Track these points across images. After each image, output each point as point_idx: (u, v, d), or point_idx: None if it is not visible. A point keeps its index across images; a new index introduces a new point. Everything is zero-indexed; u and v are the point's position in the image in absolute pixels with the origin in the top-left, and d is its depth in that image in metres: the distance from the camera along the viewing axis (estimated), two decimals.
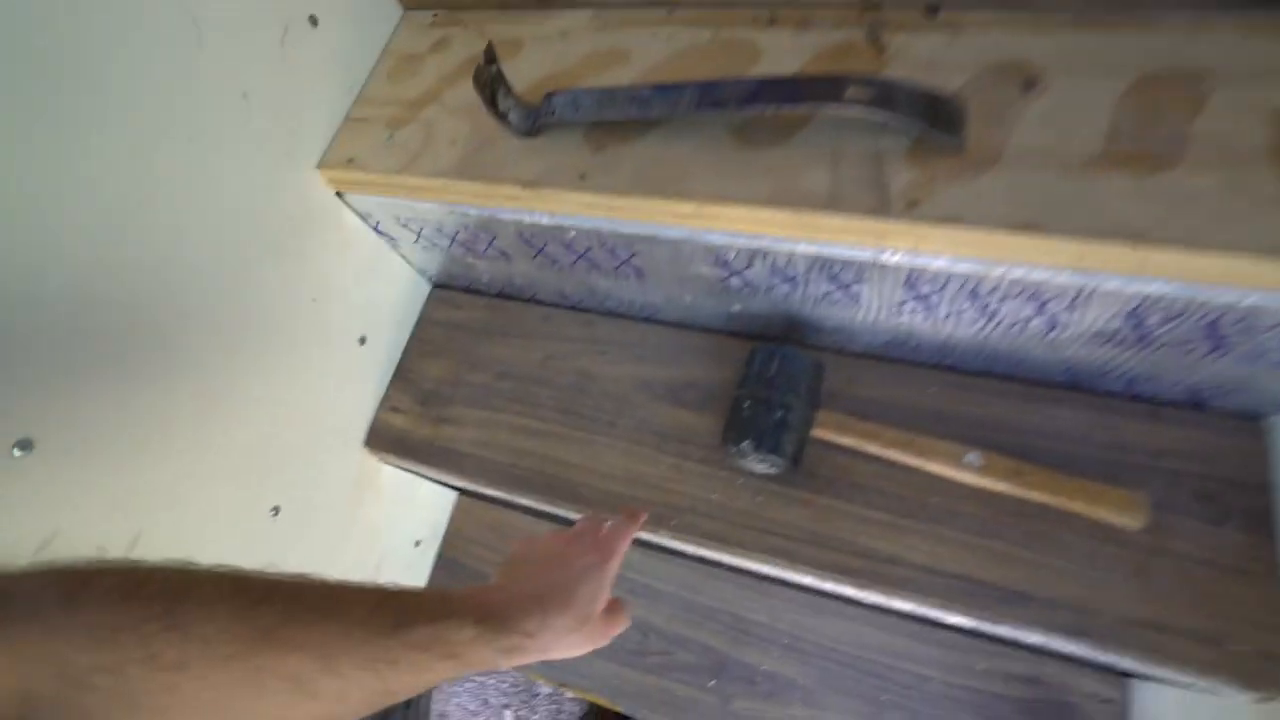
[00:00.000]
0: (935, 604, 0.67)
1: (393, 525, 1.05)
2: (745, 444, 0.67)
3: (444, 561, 1.18)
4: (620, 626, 0.56)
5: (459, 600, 0.46)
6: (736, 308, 0.77)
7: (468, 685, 1.42)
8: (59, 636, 0.32)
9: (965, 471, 0.67)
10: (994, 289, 0.58)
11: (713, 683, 0.99)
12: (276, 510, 0.81)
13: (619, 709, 1.02)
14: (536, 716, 1.37)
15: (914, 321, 0.68)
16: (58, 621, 0.32)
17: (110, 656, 0.32)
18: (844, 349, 0.79)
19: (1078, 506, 0.65)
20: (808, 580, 0.75)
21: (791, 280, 0.67)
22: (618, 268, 0.77)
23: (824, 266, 0.62)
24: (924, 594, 0.67)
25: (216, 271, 0.69)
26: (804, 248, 0.60)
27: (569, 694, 1.36)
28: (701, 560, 1.05)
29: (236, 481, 0.75)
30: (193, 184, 0.64)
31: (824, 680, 0.95)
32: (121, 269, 0.60)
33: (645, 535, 0.79)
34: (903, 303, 0.65)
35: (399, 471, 1.04)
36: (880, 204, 0.53)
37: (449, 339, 0.96)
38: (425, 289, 1.01)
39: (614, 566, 0.57)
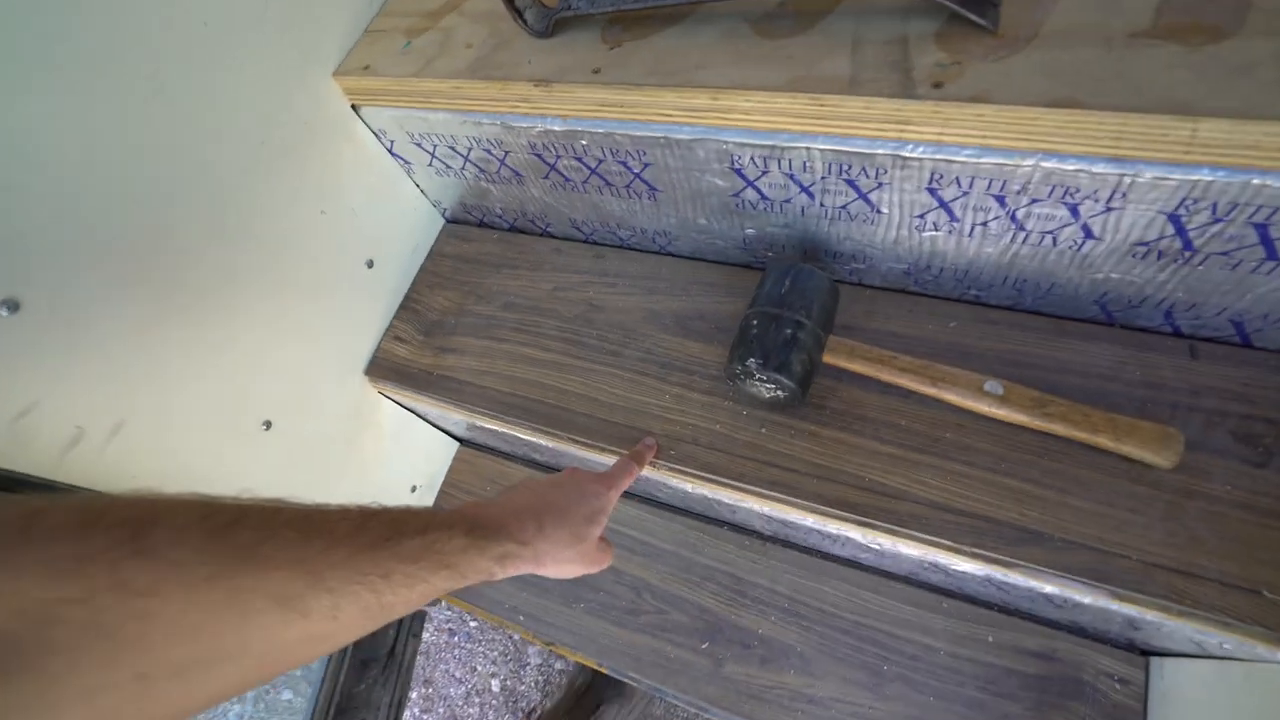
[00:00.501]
0: (944, 543, 0.63)
1: (390, 465, 1.02)
2: (751, 361, 0.64)
3: None
4: (609, 556, 0.58)
5: (449, 513, 0.47)
6: (750, 231, 0.75)
7: (455, 653, 1.39)
8: (14, 572, 0.29)
9: (985, 401, 0.63)
10: (1023, 188, 0.55)
11: (706, 645, 0.95)
12: (268, 424, 0.79)
13: (605, 669, 0.98)
14: (524, 685, 1.33)
15: (936, 239, 0.65)
16: (11, 557, 0.29)
17: (76, 587, 0.29)
18: (862, 280, 0.76)
19: (1104, 441, 0.60)
20: (809, 521, 0.71)
21: (809, 190, 0.65)
22: (629, 184, 0.75)
23: (843, 167, 0.60)
24: (932, 532, 0.63)
25: (225, 167, 0.68)
26: (822, 144, 0.58)
27: (557, 663, 1.32)
28: (703, 518, 1.02)
29: (229, 385, 0.73)
30: (204, 72, 0.64)
31: (823, 647, 0.90)
32: (125, 149, 0.60)
33: (644, 471, 0.76)
34: (925, 213, 0.62)
35: (400, 411, 1.02)
36: (904, 86, 0.51)
37: (458, 271, 0.95)
38: (439, 223, 1.00)
39: (614, 495, 0.59)
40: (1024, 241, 0.61)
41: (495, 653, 1.37)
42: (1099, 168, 0.49)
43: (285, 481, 0.83)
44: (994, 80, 0.49)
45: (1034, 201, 0.56)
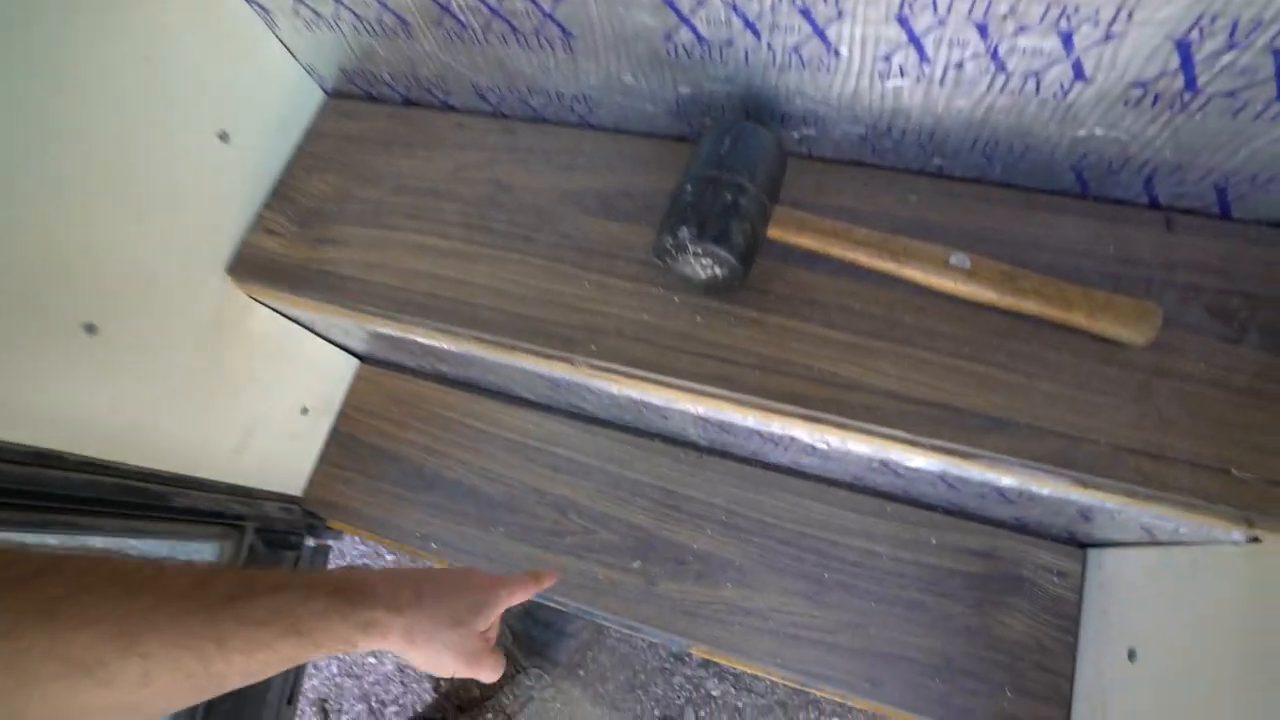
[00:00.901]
0: (901, 435, 0.56)
1: (268, 382, 0.88)
2: (684, 232, 0.54)
3: (340, 436, 1.02)
4: (494, 662, 0.52)
5: (313, 574, 0.46)
6: (685, 89, 0.63)
7: None
8: None
9: (950, 277, 0.55)
10: (1011, 10, 0.45)
11: (638, 563, 0.88)
12: (91, 328, 0.63)
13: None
14: None
15: (902, 91, 0.56)
16: None
17: None
18: (812, 151, 0.66)
19: (1078, 318, 0.54)
20: (751, 420, 0.64)
21: (753, 26, 0.54)
22: (539, 29, 0.61)
23: None
24: (889, 423, 0.56)
25: None
26: None
27: None
28: (633, 430, 0.93)
29: (30, 276, 0.58)
30: None
31: (762, 559, 0.85)
32: None
33: (559, 371, 0.66)
34: (891, 53, 0.52)
35: (280, 320, 0.87)
36: None
37: (341, 152, 0.79)
38: (317, 96, 0.83)
39: (504, 595, 0.54)
40: (1003, 88, 0.53)
41: None
42: None
43: (123, 401, 0.69)
44: None
45: (1021, 30, 0.47)
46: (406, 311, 0.68)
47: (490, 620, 0.52)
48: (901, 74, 0.54)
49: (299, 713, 1.28)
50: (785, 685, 0.98)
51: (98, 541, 0.85)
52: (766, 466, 0.88)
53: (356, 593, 0.42)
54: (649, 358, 0.61)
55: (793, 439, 0.68)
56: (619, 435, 0.93)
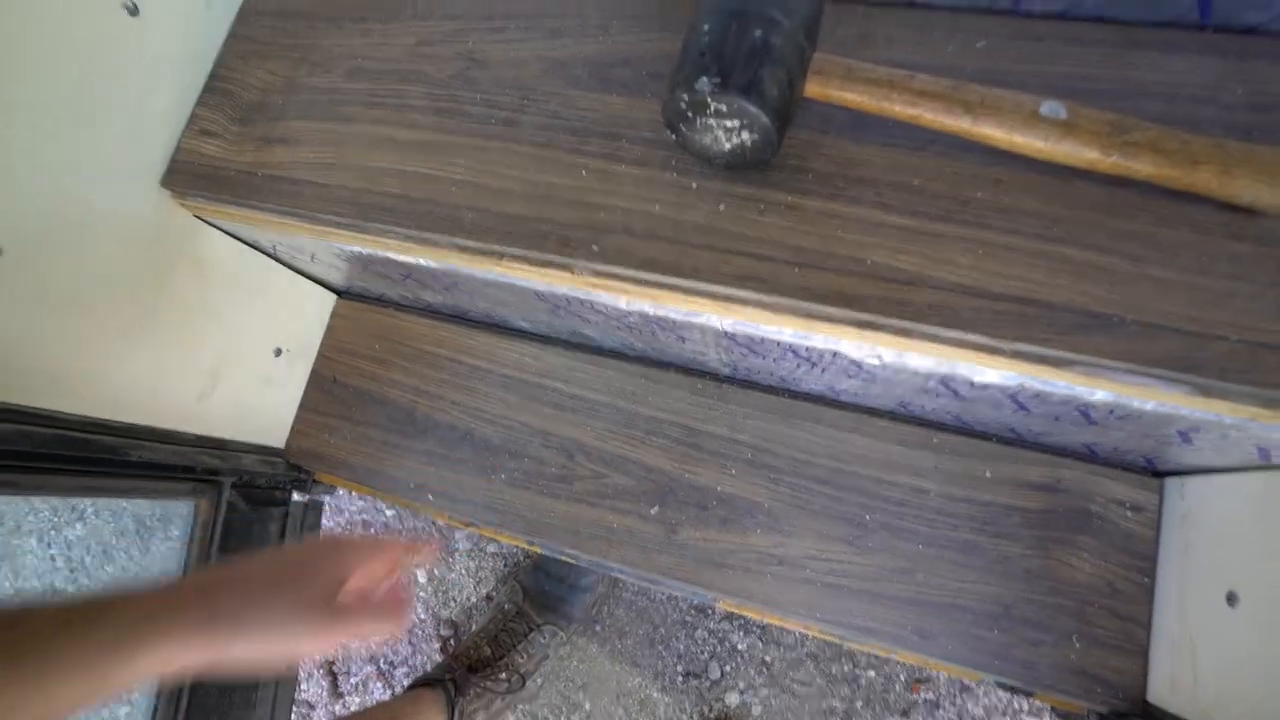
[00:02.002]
0: (977, 339, 0.45)
1: (231, 319, 0.78)
2: (704, 82, 0.42)
3: (321, 380, 0.92)
4: (388, 622, 0.44)
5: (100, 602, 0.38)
6: None
7: None
8: None
9: (1042, 132, 0.43)
10: None
11: (655, 509, 0.78)
12: None
13: (537, 547, 0.82)
14: (454, 574, 1.17)
15: None
16: None
17: None
18: None
19: (1205, 179, 0.42)
20: (789, 333, 0.53)
21: None
22: None
23: None
24: (962, 325, 0.45)
25: None
26: None
27: (489, 546, 1.16)
28: (645, 360, 0.82)
29: None
30: None
31: (794, 500, 0.75)
32: None
33: (555, 284, 0.55)
34: None
35: (238, 247, 0.76)
36: None
37: (281, 33, 0.67)
38: None
39: (355, 550, 0.46)
40: None
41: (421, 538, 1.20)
42: None
43: (44, 337, 0.58)
44: None
45: None
46: (371, 218, 0.57)
47: (338, 566, 0.44)
48: None
49: (308, 675, 1.22)
50: (821, 639, 0.90)
51: (52, 502, 0.76)
52: (797, 396, 0.78)
53: (99, 606, 0.37)
54: (663, 257, 0.50)
55: (835, 356, 0.57)
56: (629, 367, 0.82)
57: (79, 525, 0.79)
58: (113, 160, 0.61)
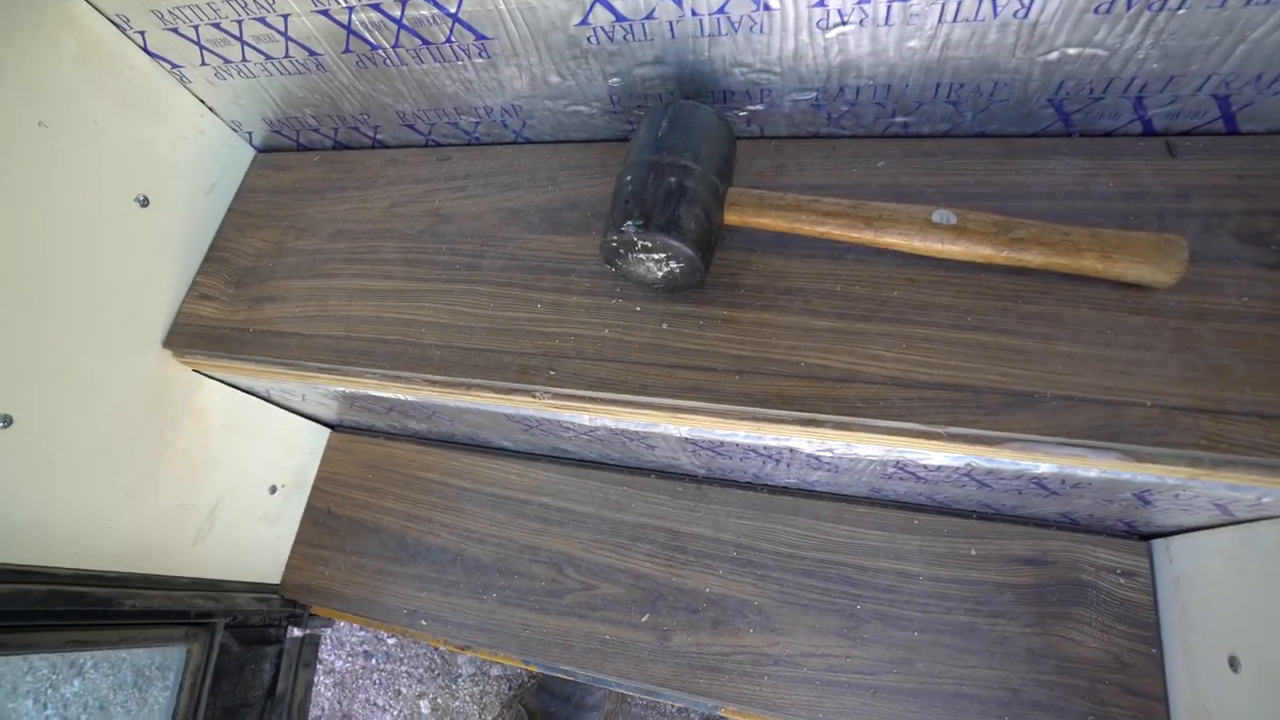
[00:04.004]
0: (912, 426, 0.48)
1: (228, 462, 0.82)
2: (629, 225, 0.47)
3: (315, 513, 0.95)
4: None
5: None
6: (615, 80, 0.58)
7: (375, 678, 1.18)
8: None
9: (936, 236, 0.48)
10: None
11: (646, 617, 0.78)
12: (6, 420, 0.58)
13: (534, 667, 0.81)
14: (458, 702, 1.14)
15: (846, 39, 0.50)
16: None
17: None
18: (765, 129, 0.60)
19: (1089, 263, 0.47)
20: (741, 434, 0.56)
21: None
22: (450, 35, 0.57)
23: None
24: (895, 415, 0.48)
25: None
26: None
27: (493, 669, 1.14)
28: (623, 468, 0.85)
29: None
30: None
31: (783, 596, 0.76)
32: None
33: (522, 407, 0.59)
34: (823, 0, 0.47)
35: (234, 395, 0.81)
36: None
37: (273, 206, 0.75)
38: (247, 154, 0.79)
39: None
40: (955, 16, 0.47)
41: (420, 669, 1.18)
42: None
43: (51, 499, 0.62)
44: None
45: None
46: (350, 362, 0.62)
47: None
48: (842, 19, 0.48)
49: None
50: None
51: (51, 658, 0.77)
52: (774, 490, 0.80)
53: None
54: (615, 377, 0.54)
55: (793, 452, 0.60)
56: (610, 476, 0.85)
57: (76, 681, 0.79)
58: (119, 331, 0.67)
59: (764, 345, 0.52)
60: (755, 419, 0.52)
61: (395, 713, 1.15)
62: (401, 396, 0.65)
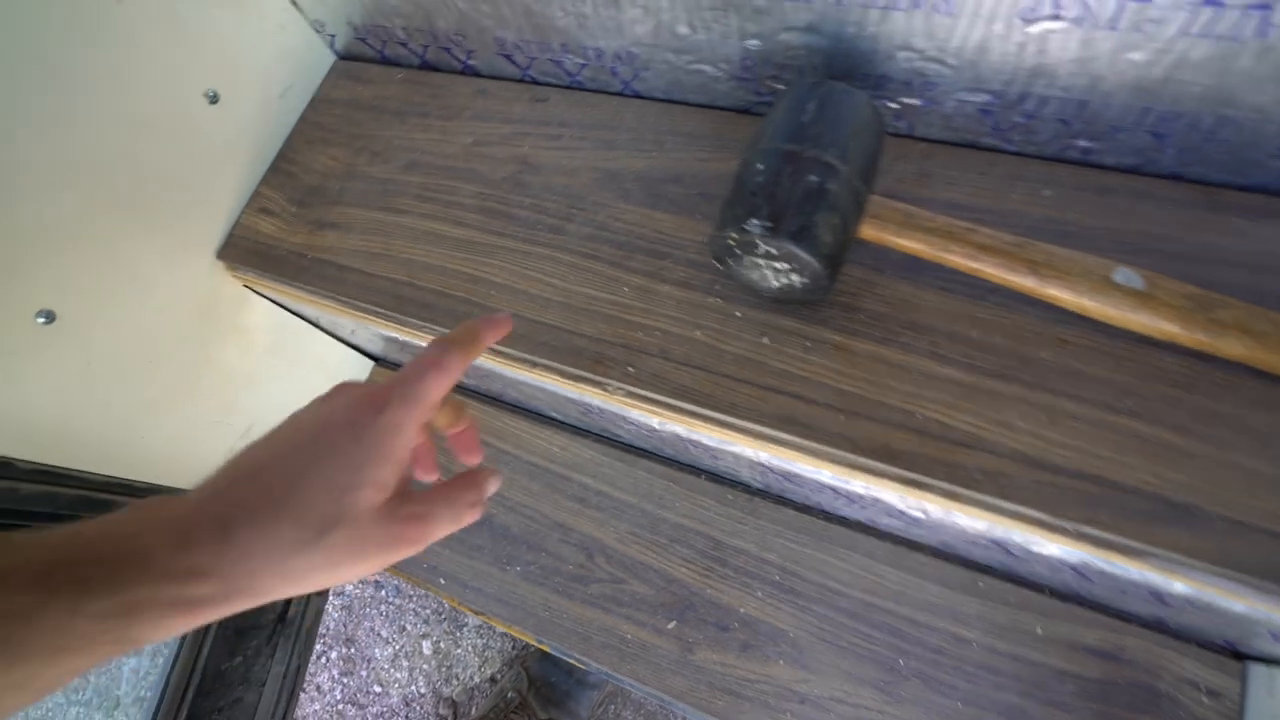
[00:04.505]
0: (1038, 515, 0.41)
1: (268, 383, 0.78)
2: (754, 224, 0.40)
3: None
4: (444, 520, 0.33)
5: (25, 546, 0.25)
6: (754, 42, 0.50)
7: (382, 609, 1.18)
8: None
9: (1115, 300, 0.40)
10: None
11: (673, 624, 0.74)
12: (50, 316, 0.54)
13: (546, 647, 0.78)
14: (460, 649, 1.14)
15: (1051, 38, 0.41)
16: None
17: None
18: (914, 128, 0.52)
19: None
20: (826, 475, 0.49)
21: None
22: None
23: None
24: (1020, 498, 0.41)
25: None
26: None
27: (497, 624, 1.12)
28: (675, 463, 0.79)
29: None
30: None
31: (822, 633, 0.70)
32: None
33: (590, 394, 0.53)
34: None
35: (281, 315, 0.77)
36: None
37: (348, 121, 0.69)
38: (326, 59, 0.73)
39: (399, 418, 0.31)
40: (1206, 31, 0.37)
41: (428, 610, 1.17)
42: None
43: (88, 401, 0.59)
44: None
45: None
46: (408, 312, 0.57)
47: (388, 473, 0.31)
48: (1057, 11, 0.39)
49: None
50: None
51: None
52: (831, 519, 0.73)
53: (94, 563, 0.25)
54: (700, 388, 0.48)
55: (876, 500, 0.53)
56: (657, 468, 0.79)
57: None
58: (175, 233, 0.62)
59: (877, 385, 0.45)
60: (851, 466, 0.45)
61: (397, 646, 1.15)
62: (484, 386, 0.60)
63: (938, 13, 0.42)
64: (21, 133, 0.49)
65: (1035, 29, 0.41)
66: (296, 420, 0.32)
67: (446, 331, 0.53)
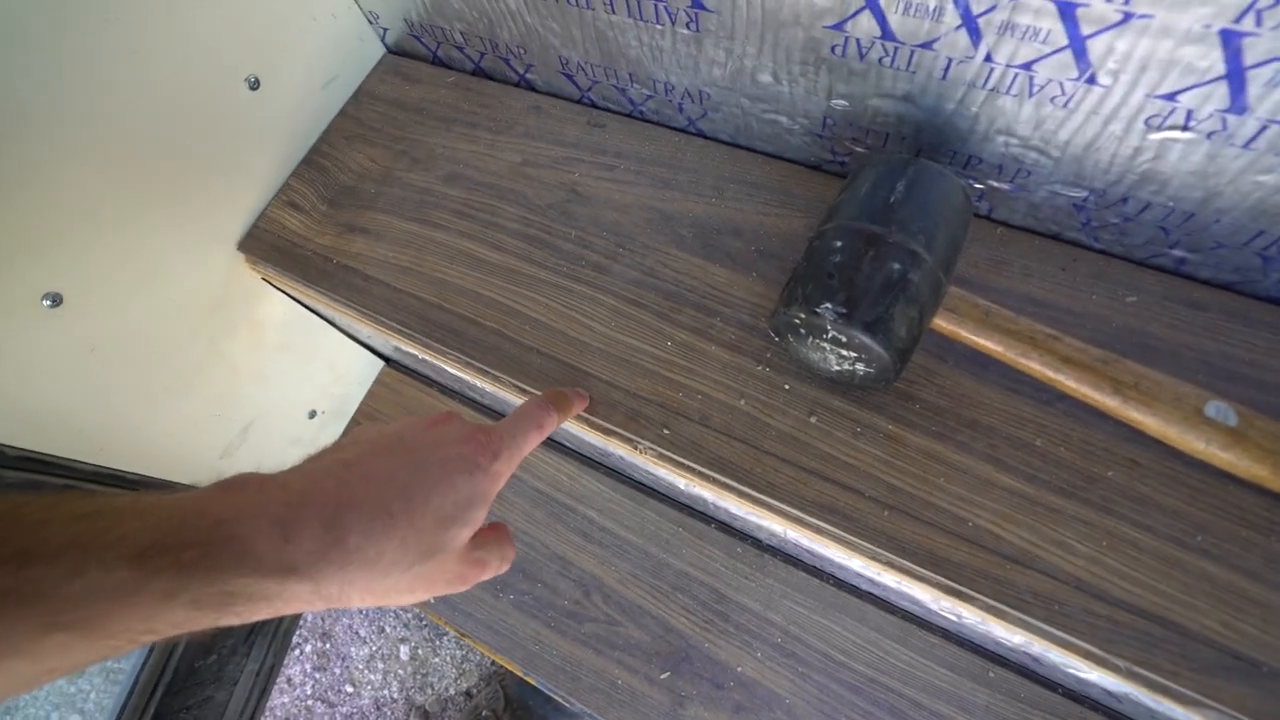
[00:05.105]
0: (1087, 647, 0.38)
1: (277, 382, 0.75)
2: (827, 308, 0.37)
3: None
4: (494, 568, 0.35)
5: (119, 518, 0.24)
6: (841, 101, 0.47)
7: (363, 608, 1.15)
8: None
9: (1201, 435, 0.37)
10: None
11: (666, 675, 0.71)
12: (56, 299, 0.51)
13: (531, 680, 0.75)
14: (437, 659, 1.11)
15: (1173, 148, 0.38)
16: None
17: None
18: (994, 211, 0.49)
19: None
20: (859, 564, 0.47)
21: (975, 22, 0.37)
22: None
23: None
24: (1072, 629, 0.39)
25: None
26: None
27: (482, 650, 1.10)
28: (686, 509, 0.77)
29: None
30: None
31: (821, 704, 0.68)
32: None
33: (618, 448, 0.50)
34: (1183, 91, 0.35)
35: (296, 309, 0.74)
36: None
37: (390, 121, 0.65)
38: (376, 50, 0.70)
39: (505, 469, 0.35)
40: None
41: (409, 615, 1.14)
42: None
43: (88, 389, 0.56)
44: None
45: None
46: (435, 336, 0.54)
47: (479, 521, 0.33)
48: (1186, 123, 0.36)
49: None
50: None
51: None
52: (843, 586, 0.71)
53: (198, 549, 0.24)
54: (739, 462, 0.45)
55: (905, 593, 0.51)
56: (667, 511, 0.76)
57: None
58: (197, 220, 0.59)
59: (928, 484, 0.43)
60: (890, 565, 0.42)
61: (374, 648, 1.12)
62: (481, 385, 0.57)
63: (1051, 104, 0.39)
64: (46, 101, 0.46)
65: (1158, 135, 0.38)
66: (407, 437, 0.33)
67: (473, 362, 0.51)
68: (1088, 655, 0.39)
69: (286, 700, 1.13)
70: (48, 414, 0.55)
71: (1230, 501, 0.40)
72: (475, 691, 1.08)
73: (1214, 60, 0.33)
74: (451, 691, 1.09)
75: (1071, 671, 0.54)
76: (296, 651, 1.14)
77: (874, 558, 0.43)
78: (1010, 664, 0.66)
